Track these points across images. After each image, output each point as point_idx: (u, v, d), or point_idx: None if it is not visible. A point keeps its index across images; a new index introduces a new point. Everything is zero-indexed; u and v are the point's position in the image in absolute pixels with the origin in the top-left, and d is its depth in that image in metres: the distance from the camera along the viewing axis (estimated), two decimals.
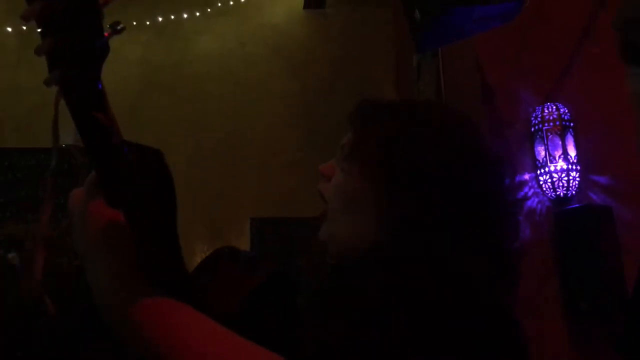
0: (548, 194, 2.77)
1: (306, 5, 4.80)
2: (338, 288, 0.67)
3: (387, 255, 0.69)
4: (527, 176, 2.85)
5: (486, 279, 0.68)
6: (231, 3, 4.73)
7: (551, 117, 2.78)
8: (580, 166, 2.76)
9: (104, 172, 0.65)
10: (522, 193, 2.82)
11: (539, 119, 2.82)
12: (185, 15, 4.69)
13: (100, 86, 0.58)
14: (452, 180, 0.77)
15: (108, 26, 0.58)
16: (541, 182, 2.79)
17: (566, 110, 2.80)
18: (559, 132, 2.76)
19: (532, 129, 2.85)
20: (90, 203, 0.67)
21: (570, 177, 2.72)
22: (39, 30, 0.53)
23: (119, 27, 0.59)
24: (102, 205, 0.67)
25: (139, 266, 0.64)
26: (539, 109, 2.84)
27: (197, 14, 4.71)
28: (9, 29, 4.51)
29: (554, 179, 2.73)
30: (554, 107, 2.80)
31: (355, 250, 0.76)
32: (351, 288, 0.65)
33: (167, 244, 0.67)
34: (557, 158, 2.75)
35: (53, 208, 0.68)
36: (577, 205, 2.73)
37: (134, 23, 4.47)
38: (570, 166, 2.73)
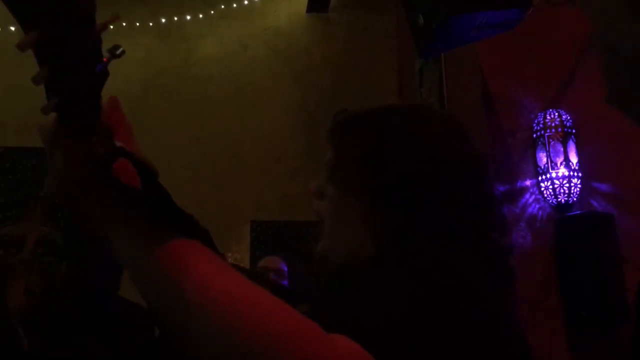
0: (549, 200, 2.77)
1: (309, 9, 4.81)
2: (334, 298, 0.69)
3: (379, 266, 0.71)
4: (528, 182, 2.85)
5: (478, 282, 0.69)
6: (234, 6, 4.74)
7: (553, 124, 2.78)
8: (581, 173, 2.76)
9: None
10: (523, 199, 2.82)
11: (541, 126, 2.82)
12: (188, 18, 4.70)
13: (100, 114, 0.57)
14: (432, 187, 0.77)
15: (107, 50, 0.57)
16: (542, 189, 2.79)
17: (568, 117, 2.80)
18: (560, 139, 2.76)
19: (534, 135, 2.85)
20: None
21: (572, 184, 2.72)
22: (36, 58, 0.52)
23: (118, 52, 0.59)
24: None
25: None
26: (541, 115, 2.84)
27: (200, 16, 4.71)
28: (12, 29, 4.52)
29: (556, 186, 2.73)
30: (556, 114, 2.80)
31: (351, 262, 0.78)
32: (345, 298, 0.66)
33: None
34: (558, 164, 2.74)
35: (40, 234, 0.66)
36: (578, 212, 2.73)
37: (137, 25, 4.47)
38: (571, 173, 2.73)
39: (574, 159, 2.76)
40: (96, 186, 0.58)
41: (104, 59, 0.55)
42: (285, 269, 2.91)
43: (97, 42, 0.53)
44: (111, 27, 0.55)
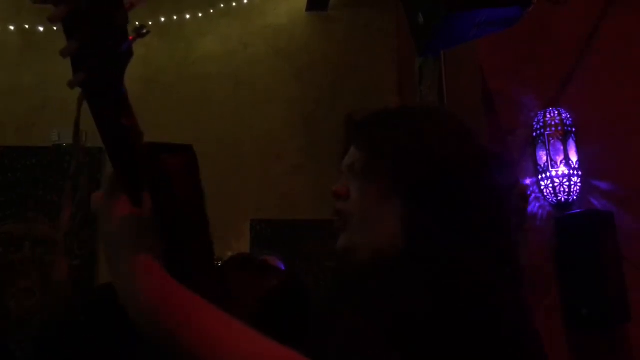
0: (549, 198, 2.77)
1: (308, 8, 4.80)
2: (363, 291, 0.70)
3: (409, 260, 0.71)
4: (528, 181, 2.85)
5: (480, 283, 0.70)
6: (234, 4, 4.74)
7: (553, 122, 2.78)
8: (581, 171, 2.76)
9: (126, 173, 0.65)
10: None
11: (541, 124, 2.82)
12: (187, 16, 4.69)
13: (123, 90, 0.58)
14: (466, 185, 0.78)
15: (132, 30, 0.58)
16: (542, 187, 2.79)
17: (568, 116, 2.80)
18: (560, 137, 2.76)
19: (534, 134, 2.85)
20: (113, 202, 0.67)
21: (572, 182, 2.72)
22: (65, 32, 0.53)
23: (143, 31, 0.59)
24: (124, 203, 0.67)
25: (164, 261, 0.64)
26: (541, 113, 2.84)
27: (200, 15, 4.71)
28: (12, 28, 4.52)
29: (556, 184, 2.73)
30: (556, 112, 2.80)
31: (377, 258, 0.79)
32: (376, 291, 0.67)
33: (196, 237, 0.66)
34: (558, 163, 2.74)
35: (71, 212, 0.68)
36: (578, 210, 2.72)
37: (137, 23, 4.46)
38: (571, 171, 2.73)
39: (573, 157, 2.76)
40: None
41: (130, 38, 0.56)
42: (283, 268, 2.91)
43: (124, 20, 0.54)
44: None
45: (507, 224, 0.82)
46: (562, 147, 2.75)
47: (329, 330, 0.67)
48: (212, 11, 4.72)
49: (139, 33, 0.59)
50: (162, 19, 4.61)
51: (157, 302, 0.61)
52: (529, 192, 2.83)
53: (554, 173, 2.74)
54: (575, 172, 2.74)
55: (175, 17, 4.66)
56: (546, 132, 2.78)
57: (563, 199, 2.73)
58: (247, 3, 4.74)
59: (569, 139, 2.77)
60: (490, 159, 0.84)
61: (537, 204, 2.82)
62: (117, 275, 0.66)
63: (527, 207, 2.69)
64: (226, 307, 0.74)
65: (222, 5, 4.72)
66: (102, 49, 0.53)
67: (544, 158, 2.79)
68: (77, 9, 0.50)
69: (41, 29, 4.42)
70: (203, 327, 0.60)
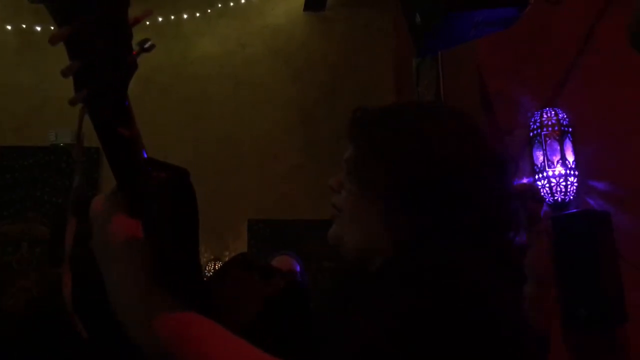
0: (546, 198, 2.77)
1: (306, 8, 4.81)
2: (363, 291, 0.70)
3: (408, 260, 0.72)
4: (525, 181, 2.85)
5: (480, 284, 0.70)
6: (231, 4, 4.74)
7: (550, 122, 2.79)
8: (578, 171, 2.76)
9: (127, 186, 0.65)
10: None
11: (537, 124, 2.82)
12: (185, 16, 4.69)
13: (127, 103, 0.58)
14: (466, 185, 0.77)
15: (136, 44, 0.58)
16: (539, 187, 2.79)
17: (565, 116, 2.81)
18: (557, 137, 2.76)
19: (531, 134, 2.85)
20: (113, 213, 0.68)
21: (568, 182, 2.72)
22: (68, 51, 0.52)
23: (147, 45, 0.59)
24: (124, 216, 0.68)
25: (158, 277, 0.65)
26: (537, 114, 2.84)
27: (197, 15, 4.71)
28: (9, 28, 4.51)
29: (552, 184, 2.73)
30: (553, 112, 2.80)
31: (366, 259, 0.80)
32: (376, 291, 0.67)
33: (186, 257, 0.67)
34: (555, 163, 2.75)
35: (76, 227, 0.68)
36: (574, 210, 2.73)
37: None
38: (568, 171, 2.73)
39: (570, 157, 2.76)
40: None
41: (133, 52, 0.56)
42: (298, 269, 2.86)
43: (128, 36, 0.53)
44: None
45: (507, 224, 0.81)
46: (558, 147, 2.76)
47: (330, 330, 0.67)
48: (209, 11, 4.72)
49: (143, 47, 0.59)
50: (160, 19, 4.61)
51: (172, 332, 0.61)
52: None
53: (550, 173, 2.74)
54: (572, 172, 2.74)
55: (172, 17, 4.66)
56: (543, 132, 2.79)
57: (560, 198, 2.73)
58: (244, 3, 4.74)
59: (565, 138, 2.77)
60: (491, 158, 0.83)
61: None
62: (114, 290, 0.66)
63: (540, 208, 2.66)
64: (226, 309, 0.74)
65: (219, 5, 4.72)
66: (106, 66, 0.52)
67: (541, 158, 2.79)
68: (79, 30, 0.49)
69: (39, 28, 4.42)
70: (211, 357, 0.60)
